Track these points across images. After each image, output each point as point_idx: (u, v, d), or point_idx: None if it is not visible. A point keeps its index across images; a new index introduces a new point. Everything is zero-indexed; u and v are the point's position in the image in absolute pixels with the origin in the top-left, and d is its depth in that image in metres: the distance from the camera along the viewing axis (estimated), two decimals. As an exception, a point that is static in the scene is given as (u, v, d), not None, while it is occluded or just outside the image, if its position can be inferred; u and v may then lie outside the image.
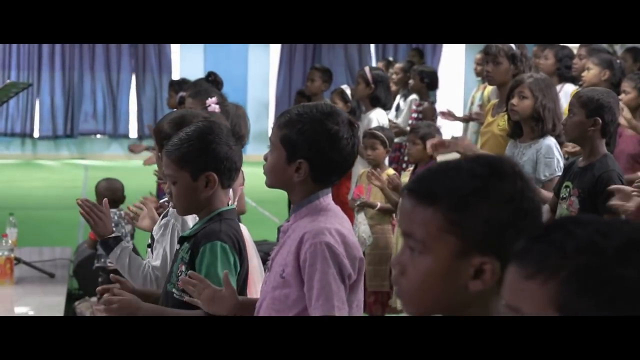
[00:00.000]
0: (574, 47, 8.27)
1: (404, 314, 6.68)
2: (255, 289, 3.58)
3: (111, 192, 6.95)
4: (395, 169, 7.44)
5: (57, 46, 17.63)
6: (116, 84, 17.95)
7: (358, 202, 6.55)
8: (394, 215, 6.53)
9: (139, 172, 10.89)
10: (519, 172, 1.76)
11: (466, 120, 8.86)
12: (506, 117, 5.54)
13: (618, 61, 7.69)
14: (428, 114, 9.10)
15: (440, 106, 16.96)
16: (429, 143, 5.79)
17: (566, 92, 7.31)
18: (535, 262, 1.37)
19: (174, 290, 3.23)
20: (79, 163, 17.24)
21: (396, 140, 7.96)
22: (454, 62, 18.92)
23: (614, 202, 4.14)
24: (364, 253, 6.25)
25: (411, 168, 6.93)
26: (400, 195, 6.33)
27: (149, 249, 3.76)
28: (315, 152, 2.86)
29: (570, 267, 1.34)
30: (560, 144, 5.34)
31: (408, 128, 8.03)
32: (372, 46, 18.49)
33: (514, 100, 5.30)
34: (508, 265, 1.44)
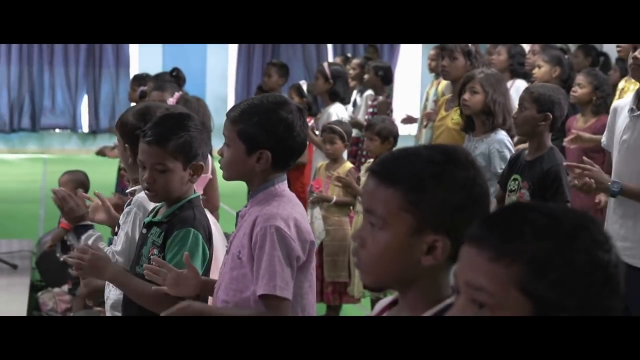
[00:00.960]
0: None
1: (360, 303, 6.84)
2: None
3: (76, 184, 7.03)
4: (353, 163, 7.60)
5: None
6: (74, 78, 17.92)
7: (312, 197, 6.68)
8: (351, 207, 6.70)
9: (97, 166, 11.01)
10: (472, 161, 1.96)
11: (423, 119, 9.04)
12: (459, 111, 5.73)
13: (567, 57, 7.93)
14: (382, 108, 9.24)
15: (397, 102, 17.26)
16: None
17: (517, 87, 7.52)
18: (498, 246, 1.54)
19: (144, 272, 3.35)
20: (38, 157, 17.23)
21: (354, 134, 8.11)
22: (411, 60, 19.12)
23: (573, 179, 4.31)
24: (321, 244, 6.45)
25: (370, 162, 7.08)
26: (356, 190, 6.51)
27: (115, 237, 3.90)
28: (274, 141, 3.03)
29: (529, 251, 1.51)
30: (511, 137, 5.52)
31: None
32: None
33: (466, 95, 5.48)
34: (464, 245, 1.61)
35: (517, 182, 4.81)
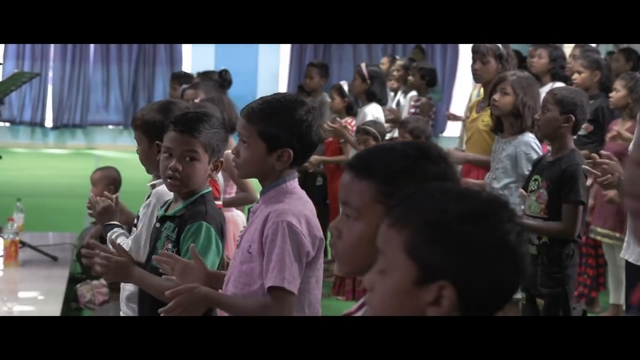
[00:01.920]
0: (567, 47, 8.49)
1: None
2: None
3: (108, 180, 7.16)
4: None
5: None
6: (126, 76, 18.14)
7: None
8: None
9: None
10: (444, 156, 2.08)
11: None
12: (489, 112, 5.78)
13: (605, 61, 7.91)
14: (425, 109, 9.28)
15: (453, 104, 17.23)
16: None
17: (557, 90, 7.52)
18: (397, 215, 1.71)
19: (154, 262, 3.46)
20: (89, 153, 17.47)
21: (394, 135, 8.16)
22: (464, 61, 19.06)
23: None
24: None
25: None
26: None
27: (134, 228, 4.01)
28: (296, 139, 3.11)
29: (420, 220, 1.67)
30: (540, 140, 5.55)
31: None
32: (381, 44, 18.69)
33: (496, 96, 5.53)
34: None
35: (537, 182, 4.86)
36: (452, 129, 10.92)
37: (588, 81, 7.33)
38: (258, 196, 3.58)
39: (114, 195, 4.20)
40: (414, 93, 9.75)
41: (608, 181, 4.21)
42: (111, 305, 6.79)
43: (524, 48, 10.18)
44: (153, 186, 4.00)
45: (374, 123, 7.18)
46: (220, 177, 4.84)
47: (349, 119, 8.10)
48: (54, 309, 5.88)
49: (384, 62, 12.39)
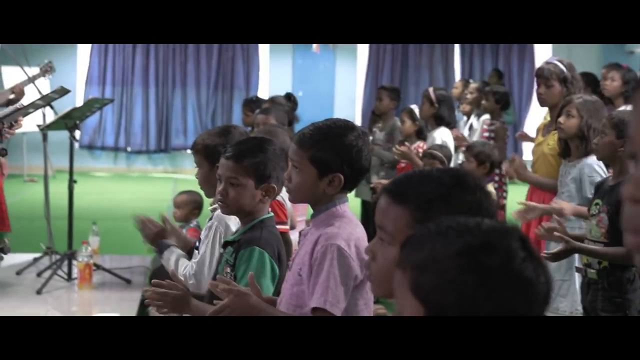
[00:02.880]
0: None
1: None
2: None
3: (192, 205, 7.31)
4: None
5: (151, 63, 18.16)
6: (205, 101, 18.39)
7: None
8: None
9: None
10: (481, 185, 2.10)
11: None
12: (556, 136, 5.76)
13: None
14: (500, 134, 9.26)
15: (527, 125, 17.14)
16: (515, 214, 5.79)
17: (630, 113, 7.45)
18: (402, 255, 1.72)
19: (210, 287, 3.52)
20: (170, 177, 17.71)
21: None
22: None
23: None
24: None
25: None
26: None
27: (196, 251, 4.10)
28: (347, 164, 3.15)
29: (421, 260, 1.67)
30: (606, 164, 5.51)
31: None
32: (458, 66, 18.66)
33: (562, 119, 5.52)
34: None
35: (598, 207, 4.81)
36: (529, 151, 10.84)
37: None
38: None
39: (165, 215, 4.31)
40: (486, 116, 9.72)
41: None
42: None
43: (597, 70, 10.10)
44: (214, 209, 4.08)
45: (440, 147, 7.20)
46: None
47: (420, 143, 8.12)
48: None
49: (457, 85, 12.40)
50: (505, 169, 5.98)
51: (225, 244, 3.72)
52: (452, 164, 7.45)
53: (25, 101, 7.47)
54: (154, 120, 18.37)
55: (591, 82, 8.87)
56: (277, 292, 3.52)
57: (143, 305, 7.23)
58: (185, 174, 17.82)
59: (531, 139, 9.38)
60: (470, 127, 10.05)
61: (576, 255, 5.17)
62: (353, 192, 3.60)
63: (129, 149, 18.50)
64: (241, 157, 3.61)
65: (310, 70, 18.23)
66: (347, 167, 3.15)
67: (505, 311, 1.63)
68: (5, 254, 7.85)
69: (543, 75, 6.12)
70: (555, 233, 4.62)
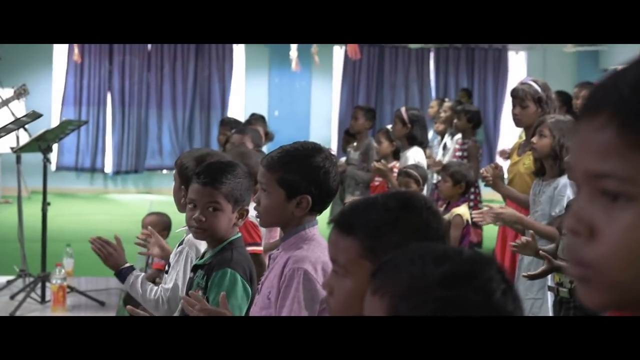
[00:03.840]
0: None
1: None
2: None
3: (160, 225, 7.29)
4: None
5: (126, 83, 18.14)
6: (181, 121, 18.37)
7: None
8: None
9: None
10: (428, 206, 2.09)
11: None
12: (532, 156, 5.78)
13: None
14: (472, 152, 9.30)
15: (504, 143, 17.20)
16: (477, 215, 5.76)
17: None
18: (377, 282, 1.65)
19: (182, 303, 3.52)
20: (145, 198, 17.65)
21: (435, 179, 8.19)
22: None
23: None
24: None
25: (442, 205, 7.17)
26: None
27: (165, 275, 4.09)
28: (314, 186, 3.17)
29: (399, 287, 1.60)
30: None
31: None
32: (433, 85, 18.74)
33: (534, 139, 5.55)
34: None
35: (569, 226, 4.81)
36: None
37: None
38: None
39: (115, 236, 4.29)
40: (459, 136, 9.76)
41: None
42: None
43: (570, 89, 10.16)
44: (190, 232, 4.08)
45: (415, 167, 7.21)
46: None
47: (396, 163, 8.14)
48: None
49: (433, 105, 12.46)
50: (482, 172, 5.98)
51: (195, 268, 3.71)
52: (426, 184, 7.46)
53: (-1, 123, 7.45)
54: (130, 141, 18.32)
55: (566, 101, 8.93)
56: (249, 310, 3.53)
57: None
58: (161, 195, 17.77)
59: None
60: (445, 146, 10.08)
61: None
62: (327, 215, 3.59)
63: (105, 170, 18.41)
64: (219, 182, 3.62)
65: (287, 89, 18.25)
66: (315, 188, 3.17)
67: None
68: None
69: (518, 96, 6.14)
70: (541, 252, 4.66)
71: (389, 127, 8.70)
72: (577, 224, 1.27)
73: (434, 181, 8.92)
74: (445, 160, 9.38)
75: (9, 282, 7.87)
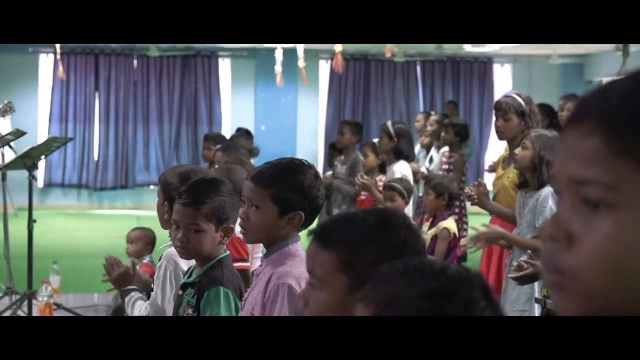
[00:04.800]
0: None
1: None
2: None
3: (145, 240, 7.31)
4: (419, 221, 7.70)
5: (112, 99, 18.15)
6: (168, 136, 18.38)
7: None
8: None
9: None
10: (407, 224, 2.11)
11: None
12: (515, 169, 5.81)
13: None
14: (458, 165, 9.32)
15: (491, 156, 17.26)
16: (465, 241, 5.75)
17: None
18: (364, 292, 1.67)
19: None
20: (133, 213, 17.63)
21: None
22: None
23: None
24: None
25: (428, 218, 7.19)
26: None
27: (152, 293, 4.09)
28: (307, 202, 3.19)
29: (382, 298, 1.62)
30: None
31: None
32: (420, 98, 18.81)
33: (517, 150, 5.58)
34: None
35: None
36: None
37: None
38: None
39: (130, 260, 4.29)
40: (445, 149, 9.79)
41: None
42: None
43: (554, 102, 10.20)
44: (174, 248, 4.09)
45: (400, 180, 7.23)
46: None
47: (382, 177, 8.17)
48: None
49: (419, 118, 12.47)
50: (467, 190, 6.00)
51: (184, 286, 3.71)
52: (412, 197, 7.48)
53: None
54: (117, 156, 18.32)
55: (549, 114, 8.96)
56: None
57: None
58: (148, 210, 17.74)
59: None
60: (431, 160, 10.11)
61: (535, 286, 5.21)
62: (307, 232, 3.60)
63: (92, 185, 18.39)
64: (199, 203, 3.61)
65: (273, 104, 18.28)
66: (307, 205, 3.18)
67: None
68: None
69: (501, 109, 6.16)
70: (522, 259, 4.68)
71: (375, 140, 8.72)
72: (555, 230, 1.28)
73: (419, 194, 8.93)
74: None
75: (-5, 300, 7.86)
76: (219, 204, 3.62)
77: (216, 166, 7.22)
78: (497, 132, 6.30)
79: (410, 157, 8.29)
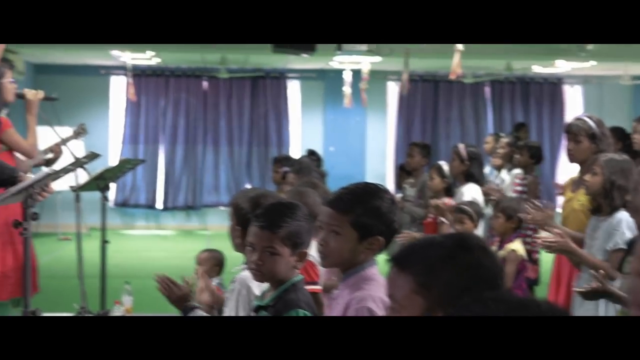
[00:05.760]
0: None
1: None
2: None
3: (213, 262, 7.35)
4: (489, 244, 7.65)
5: (181, 121, 18.34)
6: (237, 157, 18.49)
7: None
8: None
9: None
10: (481, 245, 2.16)
11: None
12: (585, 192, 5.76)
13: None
14: (532, 187, 9.27)
15: (561, 178, 17.11)
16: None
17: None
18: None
19: None
20: (202, 234, 17.76)
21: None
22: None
23: None
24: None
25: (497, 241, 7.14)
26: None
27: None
28: (385, 226, 3.22)
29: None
30: None
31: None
32: (490, 120, 18.71)
33: (587, 176, 5.54)
34: None
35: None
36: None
37: None
38: None
39: (186, 278, 4.31)
40: (517, 171, 9.73)
41: None
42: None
43: (626, 124, 10.09)
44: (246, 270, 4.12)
45: (471, 203, 7.21)
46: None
47: (447, 200, 8.14)
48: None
49: (489, 140, 12.40)
50: (532, 215, 5.95)
51: (258, 308, 3.73)
52: (482, 220, 7.45)
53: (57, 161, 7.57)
54: (186, 177, 18.49)
55: (622, 137, 8.86)
56: None
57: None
58: (217, 231, 17.88)
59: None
60: (501, 182, 10.05)
61: (600, 309, 5.15)
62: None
63: (160, 206, 18.60)
64: (276, 226, 3.60)
65: (341, 125, 18.32)
66: (386, 229, 3.21)
67: None
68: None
69: (572, 132, 6.12)
70: (592, 272, 4.65)
71: (443, 163, 8.71)
72: None
73: (489, 217, 8.88)
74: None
75: (68, 320, 7.95)
76: (295, 228, 3.62)
77: (287, 188, 7.25)
78: (568, 154, 6.25)
79: (480, 181, 8.26)
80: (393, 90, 18.68)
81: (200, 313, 4.14)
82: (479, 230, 7.29)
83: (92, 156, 7.81)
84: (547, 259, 6.00)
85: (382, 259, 3.19)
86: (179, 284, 4.19)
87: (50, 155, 7.88)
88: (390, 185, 17.90)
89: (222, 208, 18.44)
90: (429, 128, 18.60)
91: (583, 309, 5.25)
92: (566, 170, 16.64)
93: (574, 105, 18.83)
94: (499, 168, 10.65)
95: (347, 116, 18.09)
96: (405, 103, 18.46)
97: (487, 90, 18.76)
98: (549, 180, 17.60)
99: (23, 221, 5.18)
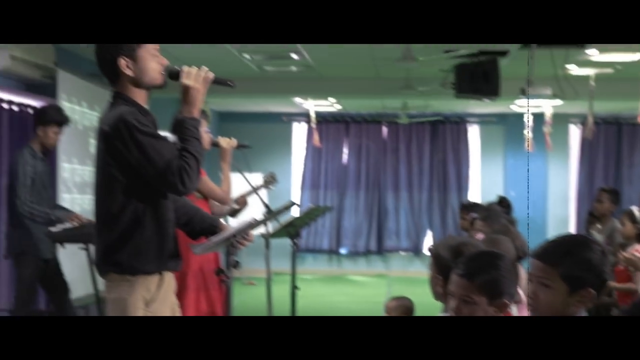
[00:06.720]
0: None
1: None
2: None
3: (402, 309, 7.36)
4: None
5: (362, 166, 18.55)
6: (417, 202, 18.53)
7: None
8: None
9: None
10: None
11: None
12: None
13: None
14: None
15: None
16: None
17: None
18: None
19: None
20: (383, 278, 17.83)
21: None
22: None
23: None
24: None
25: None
26: None
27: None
28: (597, 277, 3.21)
29: None
30: None
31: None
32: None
33: None
34: None
35: None
36: None
37: None
38: None
39: None
40: None
41: None
42: None
43: None
44: None
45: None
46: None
47: (638, 247, 7.95)
48: None
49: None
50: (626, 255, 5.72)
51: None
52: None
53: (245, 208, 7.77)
54: (367, 222, 18.65)
55: None
56: None
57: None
58: (398, 275, 17.94)
59: None
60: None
61: None
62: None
63: (343, 251, 18.79)
64: (473, 275, 3.62)
65: (522, 170, 18.13)
66: (597, 280, 3.21)
67: None
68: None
69: None
70: None
71: (635, 208, 8.52)
72: None
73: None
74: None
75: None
76: (494, 277, 3.63)
77: (476, 235, 7.24)
78: None
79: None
80: (574, 133, 18.39)
81: None
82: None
83: (290, 205, 7.97)
84: None
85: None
86: None
87: (236, 206, 8.10)
88: (572, 229, 17.61)
89: (402, 253, 18.49)
90: (612, 172, 18.21)
91: None
92: None
93: None
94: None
95: (527, 160, 17.89)
96: (587, 146, 18.14)
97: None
98: None
99: (225, 269, 5.31)
